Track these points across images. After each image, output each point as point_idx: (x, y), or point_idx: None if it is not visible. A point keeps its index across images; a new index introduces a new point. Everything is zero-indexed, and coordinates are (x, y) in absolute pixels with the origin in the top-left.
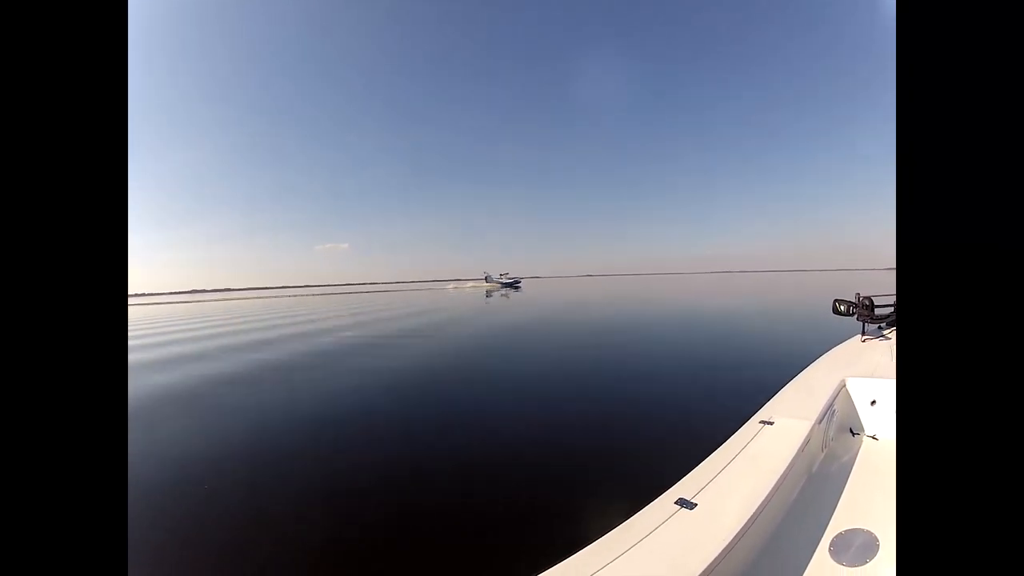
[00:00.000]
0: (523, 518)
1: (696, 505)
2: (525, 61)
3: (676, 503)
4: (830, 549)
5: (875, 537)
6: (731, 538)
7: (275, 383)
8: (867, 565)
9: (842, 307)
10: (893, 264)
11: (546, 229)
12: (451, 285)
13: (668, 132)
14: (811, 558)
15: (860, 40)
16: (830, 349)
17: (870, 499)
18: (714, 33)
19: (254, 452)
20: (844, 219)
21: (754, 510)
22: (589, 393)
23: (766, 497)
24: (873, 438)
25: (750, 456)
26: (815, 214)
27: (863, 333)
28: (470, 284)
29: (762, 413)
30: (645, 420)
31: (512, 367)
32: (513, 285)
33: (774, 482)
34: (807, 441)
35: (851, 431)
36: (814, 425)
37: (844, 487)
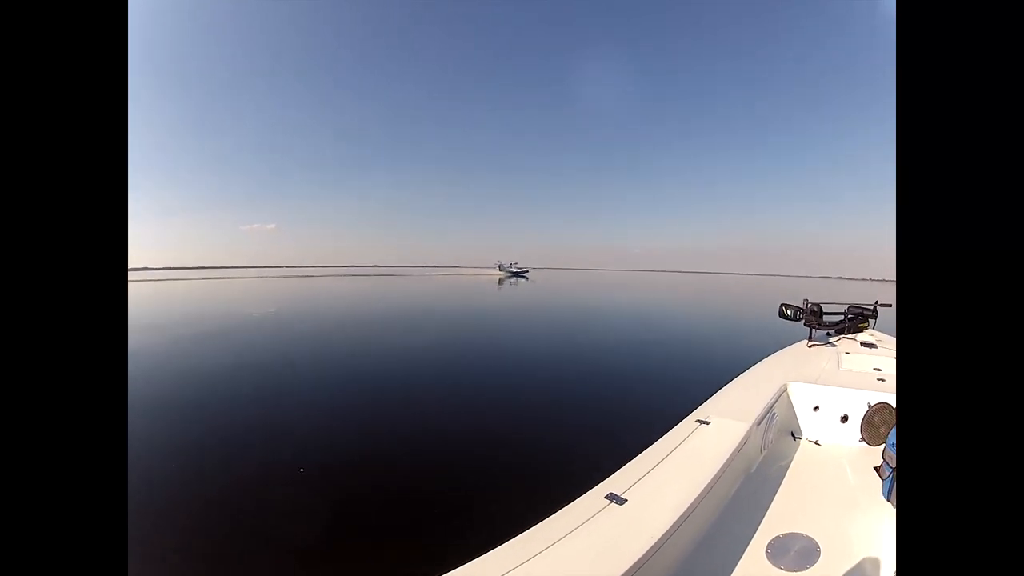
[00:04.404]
0: None
1: (626, 500)
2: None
3: (606, 498)
4: (767, 552)
5: (815, 543)
6: (662, 534)
7: None
8: (807, 571)
9: (789, 312)
10: (836, 274)
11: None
12: (468, 271)
13: (657, 120)
14: (748, 560)
15: (859, 40)
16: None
17: (811, 504)
18: (710, 28)
19: None
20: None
21: (686, 507)
22: None
23: (699, 495)
24: (816, 443)
25: (684, 454)
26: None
27: (810, 339)
28: (487, 272)
29: (698, 412)
30: None
31: None
32: (520, 274)
33: (708, 480)
34: (744, 442)
35: (792, 435)
36: (752, 426)
37: (784, 491)
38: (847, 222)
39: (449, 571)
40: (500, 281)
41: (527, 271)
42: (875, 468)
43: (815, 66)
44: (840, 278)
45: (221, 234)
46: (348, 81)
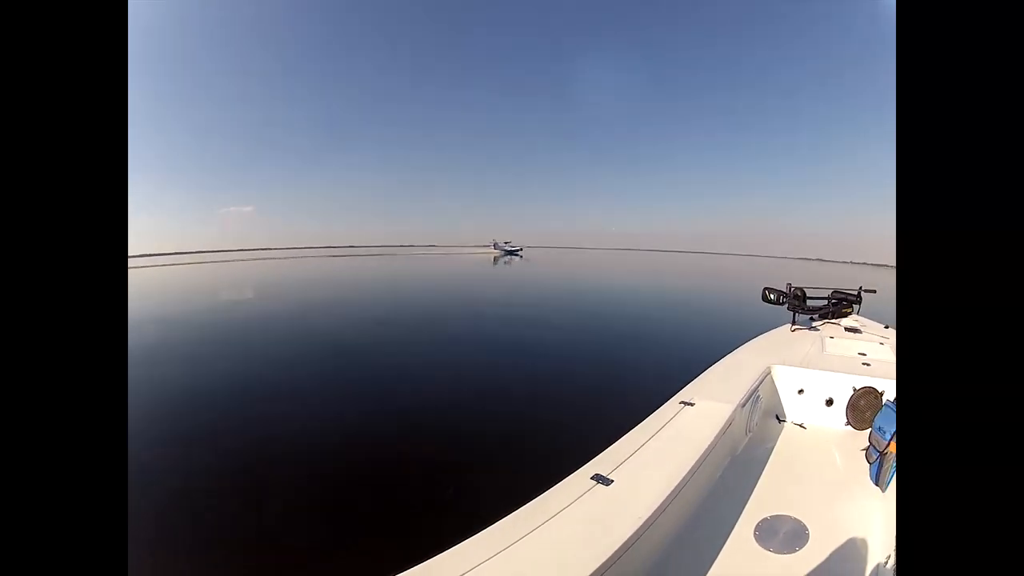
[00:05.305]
0: None
1: (612, 481)
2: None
3: (592, 479)
4: (755, 533)
5: (804, 525)
6: (649, 515)
7: None
8: (797, 553)
9: (772, 295)
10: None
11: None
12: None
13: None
14: (735, 541)
15: (855, 31)
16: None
17: (798, 486)
18: (712, 25)
19: None
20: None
21: (673, 488)
22: None
23: (685, 476)
24: (800, 426)
25: (669, 435)
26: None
27: (793, 323)
28: (480, 251)
29: (683, 394)
30: None
31: None
32: (514, 253)
33: (694, 461)
34: (729, 423)
35: (777, 417)
36: (736, 408)
37: (770, 473)
38: (828, 206)
39: (439, 552)
40: (495, 260)
41: (520, 249)
42: (863, 451)
43: (812, 57)
44: (820, 260)
45: (198, 218)
46: (330, 63)
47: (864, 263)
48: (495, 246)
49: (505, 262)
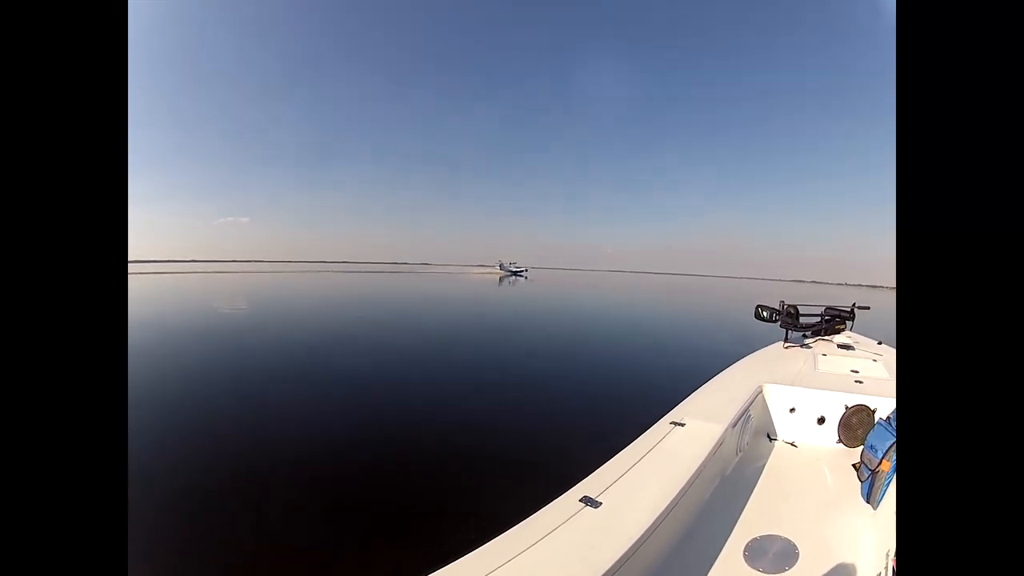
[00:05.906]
0: None
1: (601, 504)
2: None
3: (580, 501)
4: (745, 554)
5: (794, 545)
6: (638, 537)
7: None
8: (786, 573)
9: (765, 313)
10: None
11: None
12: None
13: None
14: (725, 562)
15: (857, 34)
16: (749, 354)
17: (788, 506)
18: (712, 27)
19: None
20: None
21: (662, 510)
22: None
23: (675, 497)
24: (792, 445)
25: (659, 456)
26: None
27: (785, 340)
28: (481, 271)
29: (673, 414)
30: None
31: None
32: (519, 273)
33: (684, 483)
34: (720, 444)
35: (768, 436)
36: (727, 428)
37: (761, 492)
38: (823, 228)
39: (429, 572)
40: (500, 280)
41: (525, 270)
42: (854, 468)
43: (810, 67)
44: (815, 282)
45: (193, 228)
46: (329, 74)
47: (860, 284)
48: (500, 267)
49: (511, 282)
